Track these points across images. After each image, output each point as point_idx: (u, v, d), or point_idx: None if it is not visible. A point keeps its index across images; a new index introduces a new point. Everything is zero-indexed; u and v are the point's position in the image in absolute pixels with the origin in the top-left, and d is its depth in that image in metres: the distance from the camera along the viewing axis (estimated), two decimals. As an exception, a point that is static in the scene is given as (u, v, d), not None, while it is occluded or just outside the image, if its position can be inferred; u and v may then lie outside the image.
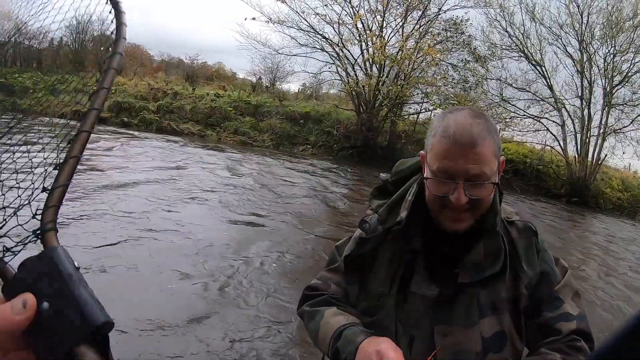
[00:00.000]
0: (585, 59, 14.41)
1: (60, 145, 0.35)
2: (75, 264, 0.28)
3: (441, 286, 0.78)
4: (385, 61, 12.04)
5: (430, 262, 0.80)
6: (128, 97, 15.39)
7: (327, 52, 12.83)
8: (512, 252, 0.78)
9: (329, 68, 12.79)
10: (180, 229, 4.15)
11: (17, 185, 0.36)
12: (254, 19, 12.48)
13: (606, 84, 14.25)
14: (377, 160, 11.69)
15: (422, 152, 0.81)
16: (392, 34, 12.71)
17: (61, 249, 0.29)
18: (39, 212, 0.31)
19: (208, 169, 7.56)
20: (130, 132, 11.87)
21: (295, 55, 13.26)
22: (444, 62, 12.47)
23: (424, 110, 12.45)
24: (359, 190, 8.60)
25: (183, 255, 3.52)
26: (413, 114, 12.53)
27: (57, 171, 0.32)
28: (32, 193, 0.34)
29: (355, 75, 12.44)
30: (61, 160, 0.33)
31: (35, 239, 0.30)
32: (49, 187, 0.32)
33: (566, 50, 14.54)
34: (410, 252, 0.81)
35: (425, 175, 0.78)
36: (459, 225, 0.76)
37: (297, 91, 14.81)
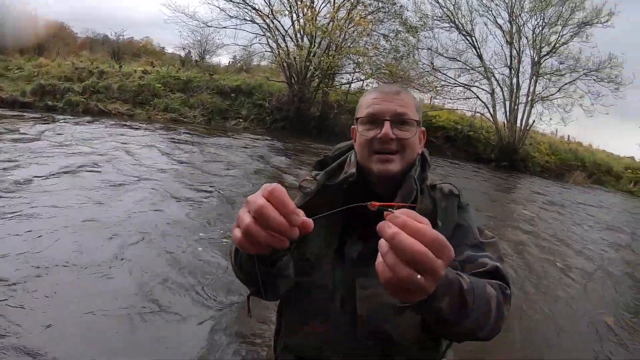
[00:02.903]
0: (514, 30, 14.90)
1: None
2: None
3: (366, 241, 0.80)
4: (316, 32, 11.79)
5: (361, 221, 0.79)
6: (51, 79, 14.22)
7: (257, 23, 12.40)
8: (432, 211, 0.81)
9: (260, 40, 12.40)
10: (112, 215, 3.84)
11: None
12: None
13: (534, 54, 14.83)
14: (310, 131, 11.50)
15: (352, 126, 0.88)
16: (323, 5, 12.47)
17: None
18: None
19: (137, 151, 7.00)
20: (55, 115, 10.90)
21: (224, 27, 12.73)
22: (375, 33, 12.41)
23: (355, 80, 12.39)
24: (295, 161, 8.42)
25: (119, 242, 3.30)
26: (345, 84, 12.43)
27: None
28: None
29: (287, 46, 12.10)
30: None
31: None
32: None
33: (496, 22, 15.00)
34: (346, 213, 0.78)
35: (355, 121, 0.85)
36: (389, 166, 0.80)
37: (227, 64, 14.32)
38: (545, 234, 6.38)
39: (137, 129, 10.27)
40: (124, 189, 4.71)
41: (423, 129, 0.88)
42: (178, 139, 9.19)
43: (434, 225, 0.74)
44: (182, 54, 14.26)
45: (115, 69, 14.46)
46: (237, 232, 0.52)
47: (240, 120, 11.69)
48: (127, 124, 11.21)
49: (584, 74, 14.89)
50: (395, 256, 0.44)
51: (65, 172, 4.98)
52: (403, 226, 0.44)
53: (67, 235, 3.29)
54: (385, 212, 0.47)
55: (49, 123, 9.02)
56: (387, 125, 0.79)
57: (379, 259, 0.46)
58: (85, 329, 2.24)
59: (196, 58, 14.11)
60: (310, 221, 0.51)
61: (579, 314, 3.72)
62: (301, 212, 0.51)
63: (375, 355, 0.81)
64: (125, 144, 7.44)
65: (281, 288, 0.78)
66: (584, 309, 3.83)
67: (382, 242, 0.45)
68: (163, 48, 16.31)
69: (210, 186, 5.40)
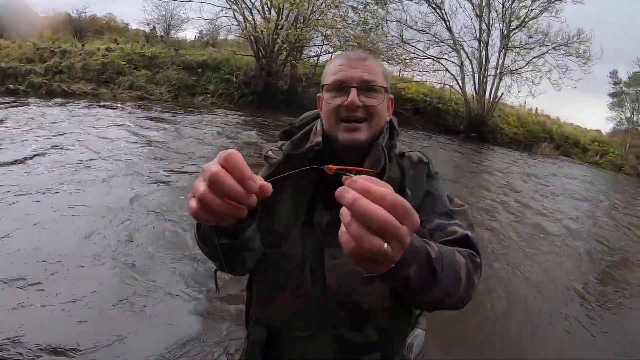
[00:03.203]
0: (484, 3, 14.96)
1: None
2: None
3: (334, 210, 0.76)
4: (283, 4, 11.56)
5: (328, 191, 0.71)
6: (12, 61, 13.60)
7: (223, -4, 12.07)
8: (400, 179, 0.79)
9: (226, 13, 12.08)
10: (78, 197, 3.74)
11: None
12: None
13: (504, 28, 14.95)
14: (279, 104, 11.40)
15: (318, 94, 0.85)
16: (290, -24, 12.20)
17: None
18: None
19: (102, 131, 6.74)
20: (18, 99, 10.43)
21: (189, 1, 12.35)
22: (343, 5, 12.24)
23: (324, 53, 12.26)
24: (264, 135, 8.32)
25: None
26: (313, 56, 12.31)
27: None
28: None
29: (253, 19, 11.86)
30: None
31: None
32: None
33: (466, -6, 15.00)
34: (314, 182, 0.79)
35: (321, 88, 0.82)
36: (355, 135, 0.78)
37: (193, 39, 13.94)
38: (517, 203, 6.58)
39: (102, 108, 9.96)
40: (90, 170, 4.58)
41: (391, 96, 0.86)
42: (145, 117, 8.95)
43: (403, 194, 0.74)
44: (147, 29, 13.86)
45: (77, 47, 13.93)
46: (193, 202, 0.48)
47: (208, 95, 11.46)
48: (92, 103, 10.86)
49: (552, 48, 15.14)
50: (358, 224, 0.40)
51: (29, 157, 4.76)
52: (363, 191, 0.41)
53: (33, 220, 3.22)
54: (343, 177, 0.44)
55: (10, 107, 8.63)
56: (353, 92, 0.77)
57: (342, 228, 0.43)
58: (59, 314, 2.22)
59: (161, 33, 13.74)
60: (268, 185, 0.48)
61: (550, 280, 3.89)
62: (259, 178, 0.48)
63: (345, 325, 0.79)
64: (90, 124, 7.18)
65: (248, 261, 0.76)
66: (555, 275, 4.01)
67: (344, 210, 0.42)
68: (127, 24, 15.76)
69: (180, 163, 5.30)
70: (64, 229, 3.16)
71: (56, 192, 3.83)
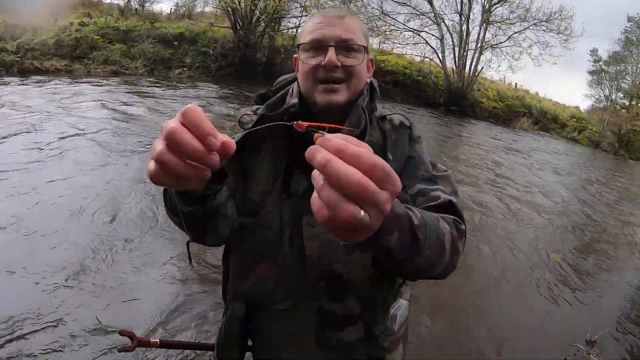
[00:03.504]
0: (465, -23, 14.91)
1: None
2: None
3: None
4: (261, -26, 11.34)
5: (305, 157, 0.60)
6: (-18, 40, 13.14)
7: (199, -34, 11.77)
8: (382, 143, 0.77)
9: (202, -16, 11.79)
10: (55, 173, 3.69)
11: None
12: None
13: (485, 2, 14.97)
14: (257, 76, 11.27)
15: (295, 56, 0.81)
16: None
17: None
18: None
19: (77, 108, 6.54)
20: None
21: (164, -28, 11.99)
22: (322, -24, 12.05)
23: (302, 24, 12.05)
24: (243, 107, 8.18)
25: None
26: (292, 28, 12.13)
27: None
28: None
29: (231, -10, 11.59)
30: None
31: None
32: None
33: (447, -32, 14.91)
34: (290, 147, 0.76)
35: (297, 48, 0.78)
36: (333, 97, 0.73)
37: (169, 12, 13.61)
38: (500, 177, 6.74)
39: (76, 84, 9.71)
40: (65, 148, 4.48)
41: (371, 56, 0.81)
42: (120, 92, 8.80)
43: (384, 159, 0.69)
44: (121, 2, 13.45)
45: (50, 23, 13.53)
46: (151, 164, 0.43)
47: (185, 68, 11.25)
48: (66, 80, 10.59)
49: (533, 24, 15.25)
50: (332, 190, 0.35)
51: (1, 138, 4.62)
52: (337, 151, 0.36)
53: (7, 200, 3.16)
54: (315, 135, 0.38)
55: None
56: (331, 51, 0.72)
57: (314, 194, 0.37)
58: (32, 286, 2.24)
59: (136, 6, 13.35)
60: (231, 142, 0.43)
61: (531, 251, 4.03)
62: (221, 135, 0.42)
63: (327, 297, 0.76)
64: (64, 101, 6.96)
65: (222, 230, 0.70)
66: (535, 247, 4.15)
67: (316, 174, 0.37)
68: (100, -3, 15.23)
69: (155, 138, 5.22)
70: (42, 203, 3.14)
71: (31, 170, 3.77)
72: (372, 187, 0.35)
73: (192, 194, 0.58)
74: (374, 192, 0.36)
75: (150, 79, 11.26)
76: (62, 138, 4.80)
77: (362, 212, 0.36)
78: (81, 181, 3.67)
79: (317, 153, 0.36)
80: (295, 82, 0.82)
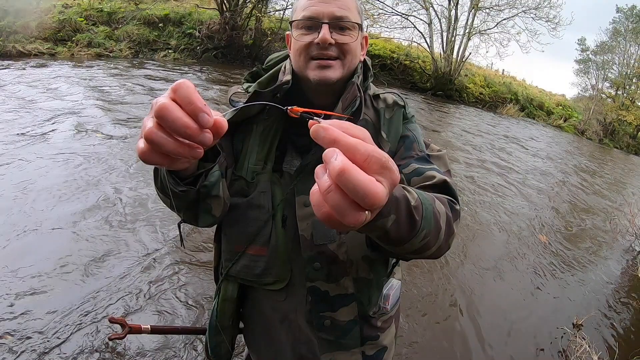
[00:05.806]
0: (454, -38, 14.89)
1: None
2: None
3: (303, 157, 0.75)
4: (248, -45, 11.21)
5: (298, 134, 0.75)
6: (-38, 23, 12.83)
7: (184, -54, 11.58)
8: (376, 122, 0.76)
9: (188, -35, 11.61)
10: (38, 158, 3.63)
11: None
12: None
13: (474, -12, 14.96)
14: (243, 59, 11.20)
15: (287, 32, 0.79)
16: None
17: None
18: None
19: (60, 92, 6.40)
20: None
21: (148, -48, 11.79)
22: (310, -42, 11.93)
23: (290, 7, 11.96)
24: (234, 85, 8.15)
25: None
26: (279, 10, 12.02)
27: None
28: None
29: (217, -29, 11.44)
30: None
31: None
32: None
33: (436, -47, 14.87)
34: (282, 127, 0.76)
35: (290, 25, 0.76)
36: (327, 73, 0.72)
37: (154, -7, 13.40)
38: (488, 162, 6.81)
39: (59, 67, 9.55)
40: (47, 132, 4.42)
41: (365, 34, 0.79)
42: (104, 75, 8.67)
43: (378, 137, 0.74)
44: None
45: (32, 5, 13.28)
46: (141, 143, 0.41)
47: (170, 51, 11.14)
48: (49, 63, 10.42)
49: (522, 11, 15.28)
50: (341, 195, 0.33)
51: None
52: (332, 141, 0.34)
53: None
54: (309, 122, 0.37)
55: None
56: (325, 28, 0.70)
57: (314, 187, 0.35)
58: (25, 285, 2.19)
59: (120, -13, 13.12)
60: (223, 120, 0.41)
61: (518, 233, 4.13)
62: (214, 112, 0.41)
63: (320, 277, 0.75)
64: (47, 85, 6.83)
65: (214, 210, 0.69)
66: (522, 229, 4.25)
67: (320, 172, 0.34)
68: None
69: (141, 121, 5.16)
70: (25, 190, 3.09)
71: (9, 155, 3.72)
72: (381, 193, 0.34)
73: (184, 174, 0.57)
74: (377, 198, 0.34)
75: (135, 62, 11.15)
76: (44, 122, 4.73)
77: (367, 213, 0.35)
78: (65, 165, 3.62)
79: (332, 157, 0.33)
80: (288, 60, 0.81)
